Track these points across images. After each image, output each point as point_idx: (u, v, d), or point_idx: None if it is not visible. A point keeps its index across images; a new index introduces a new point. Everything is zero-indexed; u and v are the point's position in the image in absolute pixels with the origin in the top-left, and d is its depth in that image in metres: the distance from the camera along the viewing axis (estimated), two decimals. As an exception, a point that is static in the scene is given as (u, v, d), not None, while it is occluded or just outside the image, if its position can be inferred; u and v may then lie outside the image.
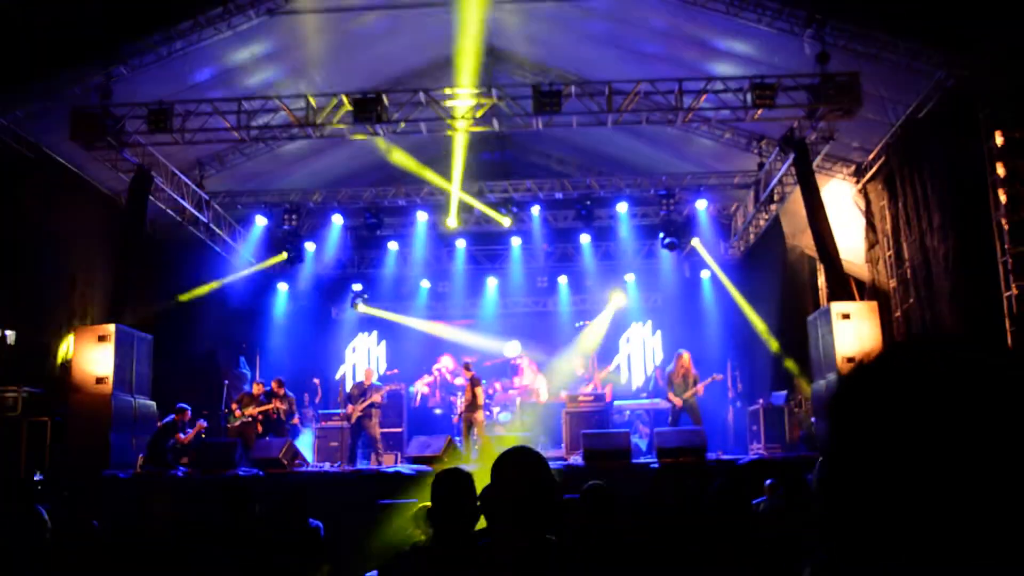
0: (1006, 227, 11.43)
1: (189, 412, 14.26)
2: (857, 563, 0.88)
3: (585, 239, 20.48)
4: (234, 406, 15.49)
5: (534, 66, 17.38)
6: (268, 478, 12.43)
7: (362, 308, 21.11)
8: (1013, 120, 11.37)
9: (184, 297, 17.35)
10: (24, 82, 13.36)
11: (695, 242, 19.34)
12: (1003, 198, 11.45)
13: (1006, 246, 11.43)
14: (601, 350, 21.47)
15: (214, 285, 18.31)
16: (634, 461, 13.05)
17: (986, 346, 0.91)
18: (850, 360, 12.84)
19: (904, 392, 0.88)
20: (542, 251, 21.11)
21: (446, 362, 21.64)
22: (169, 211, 16.66)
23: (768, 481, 9.27)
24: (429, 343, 21.92)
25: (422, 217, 19.43)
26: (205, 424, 14.76)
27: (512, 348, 21.75)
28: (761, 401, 15.84)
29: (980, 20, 11.32)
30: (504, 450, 2.82)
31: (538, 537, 2.66)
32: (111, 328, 13.49)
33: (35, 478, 11.51)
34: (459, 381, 15.58)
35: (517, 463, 2.76)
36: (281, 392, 15.54)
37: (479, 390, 15.47)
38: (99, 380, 13.21)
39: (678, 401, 14.91)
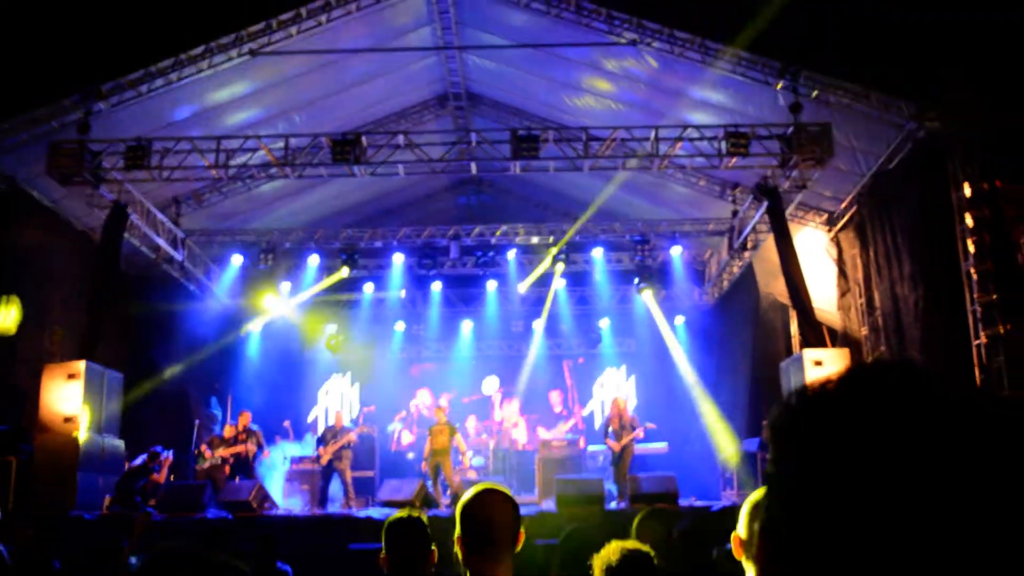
0: (975, 276, 11.59)
1: (162, 455, 14.08)
2: None
3: (560, 284, 20.52)
4: (204, 447, 15.29)
5: (512, 111, 17.56)
6: (237, 521, 12.27)
7: (334, 353, 21.06)
8: (981, 171, 11.58)
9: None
10: (1, 116, 13.32)
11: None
12: (972, 248, 11.62)
13: (975, 295, 11.59)
14: (579, 392, 21.60)
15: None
16: (607, 507, 13.00)
17: (948, 379, 0.89)
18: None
19: (868, 419, 0.83)
20: (517, 295, 21.12)
21: (423, 397, 21.51)
22: (144, 248, 16.56)
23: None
24: (405, 382, 21.86)
25: (398, 259, 19.43)
26: (171, 456, 14.52)
27: (490, 384, 21.69)
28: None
29: (950, 74, 11.57)
30: (471, 491, 2.87)
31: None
32: (81, 366, 13.30)
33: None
34: (440, 415, 15.51)
35: (483, 502, 2.79)
36: (246, 422, 15.35)
37: (459, 437, 15.42)
38: (67, 419, 13.02)
39: (616, 446, 14.94)
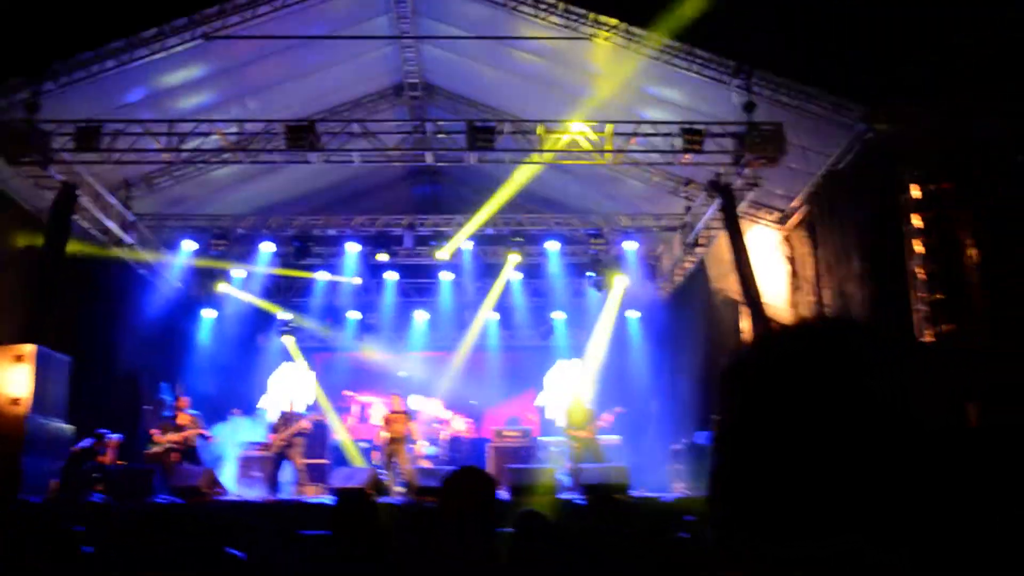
0: (921, 276, 11.85)
1: (108, 437, 13.91)
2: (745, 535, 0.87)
3: (515, 276, 20.59)
4: (153, 432, 15.14)
5: (468, 102, 17.57)
6: (188, 507, 12.16)
7: (287, 340, 20.96)
8: (929, 174, 11.83)
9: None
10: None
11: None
12: (919, 248, 11.88)
13: (920, 295, 11.85)
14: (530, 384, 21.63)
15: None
16: (560, 497, 13.09)
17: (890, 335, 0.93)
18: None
19: (812, 367, 0.86)
20: (472, 286, 21.15)
21: (370, 398, 21.41)
22: (94, 231, 16.31)
23: (687, 518, 9.42)
24: (356, 373, 21.77)
25: (352, 248, 19.34)
26: (120, 438, 14.35)
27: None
28: (685, 440, 16.05)
29: (900, 75, 11.80)
30: (453, 470, 2.95)
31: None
32: (29, 348, 13.11)
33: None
34: (396, 402, 15.47)
35: (466, 482, 2.87)
36: (184, 407, 15.23)
37: (414, 425, 15.41)
38: (14, 401, 12.83)
39: (580, 434, 15.09)
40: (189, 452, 14.94)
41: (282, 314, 21.01)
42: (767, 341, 0.95)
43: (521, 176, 16.54)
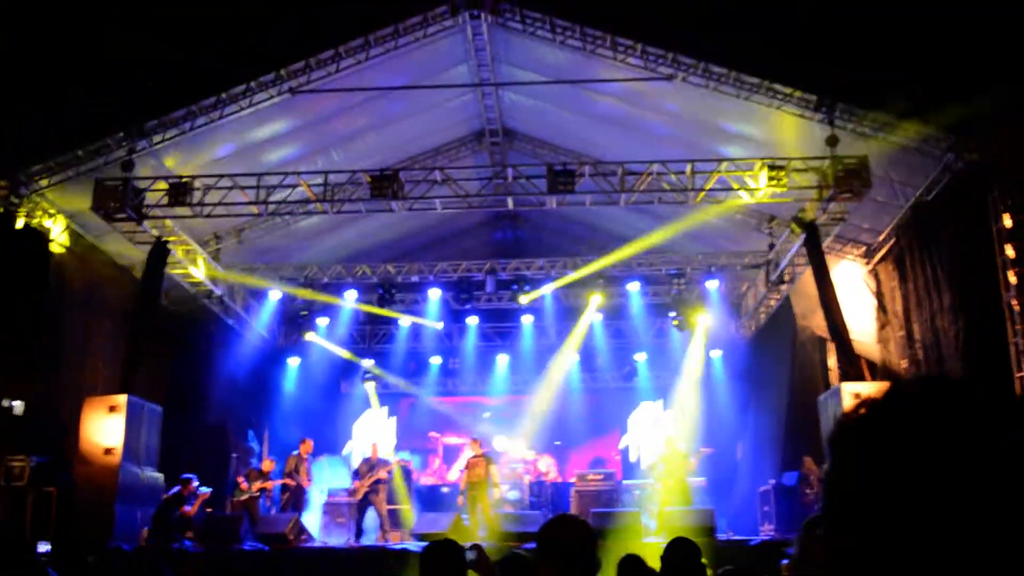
0: (1017, 309, 11.46)
1: (195, 483, 14.16)
2: None
3: (597, 318, 20.49)
4: (240, 479, 15.37)
5: (548, 147, 17.66)
6: (273, 553, 12.29)
7: (369, 386, 21.17)
8: (1022, 202, 11.48)
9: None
10: (47, 154, 13.62)
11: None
12: (1013, 280, 11.49)
13: (1017, 327, 11.44)
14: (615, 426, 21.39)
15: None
16: (644, 540, 12.87)
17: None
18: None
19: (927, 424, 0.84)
20: (553, 329, 21.12)
21: (453, 439, 21.46)
22: (184, 283, 16.79)
23: (783, 561, 9.16)
24: (439, 417, 21.85)
25: (434, 294, 19.51)
26: (208, 492, 14.58)
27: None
28: (772, 481, 15.68)
29: (988, 103, 11.50)
30: (551, 518, 2.94)
31: None
32: (122, 399, 13.47)
33: (39, 549, 11.38)
34: (467, 452, 15.46)
35: (562, 527, 2.85)
36: (309, 450, 15.44)
37: (493, 468, 15.35)
38: (107, 451, 13.17)
39: (670, 479, 14.90)
40: (299, 494, 15.14)
41: (365, 361, 21.24)
42: (892, 400, 0.90)
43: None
